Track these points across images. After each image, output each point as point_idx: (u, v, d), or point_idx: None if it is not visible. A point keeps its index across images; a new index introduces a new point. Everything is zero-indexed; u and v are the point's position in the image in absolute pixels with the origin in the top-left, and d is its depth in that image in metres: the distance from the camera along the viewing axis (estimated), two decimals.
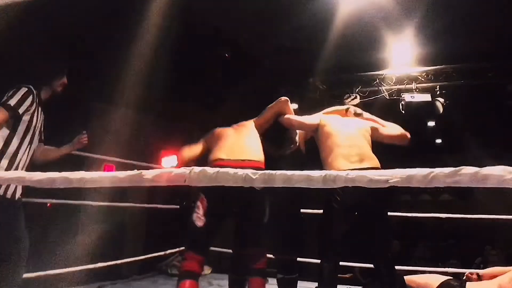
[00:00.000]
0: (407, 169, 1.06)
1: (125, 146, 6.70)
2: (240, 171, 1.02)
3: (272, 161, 2.87)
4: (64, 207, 6.12)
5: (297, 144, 3.23)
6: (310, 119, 3.11)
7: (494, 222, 6.31)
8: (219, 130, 3.01)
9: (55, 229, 5.60)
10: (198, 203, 2.69)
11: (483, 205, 4.55)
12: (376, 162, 2.88)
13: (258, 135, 2.99)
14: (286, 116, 3.08)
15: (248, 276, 2.72)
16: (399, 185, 1.05)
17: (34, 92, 2.65)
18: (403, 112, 5.71)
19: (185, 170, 1.07)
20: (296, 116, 3.13)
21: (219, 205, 2.67)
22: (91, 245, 6.73)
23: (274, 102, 3.10)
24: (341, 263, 2.97)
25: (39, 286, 3.64)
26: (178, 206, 5.45)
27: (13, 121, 2.56)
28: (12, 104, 2.53)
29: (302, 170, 1.11)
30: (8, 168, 2.51)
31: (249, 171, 1.03)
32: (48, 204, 6.47)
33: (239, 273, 3.07)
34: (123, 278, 4.75)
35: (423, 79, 5.70)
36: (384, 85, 5.82)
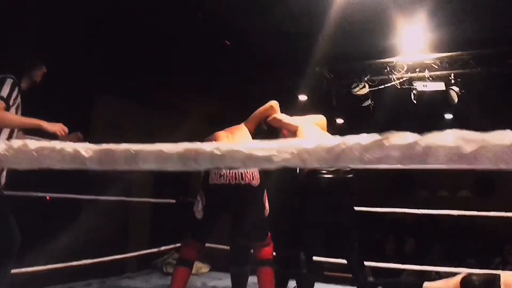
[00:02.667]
0: (302, 141, 0.74)
1: (130, 135, 6.55)
2: (69, 147, 0.74)
3: None
4: (62, 202, 6.00)
5: None
6: (293, 121, 3.29)
7: None
8: (215, 134, 3.13)
9: (52, 224, 5.48)
10: (198, 198, 2.94)
11: (504, 203, 4.22)
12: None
13: (251, 138, 3.14)
14: (275, 116, 3.24)
15: (257, 266, 2.98)
16: (290, 165, 0.74)
17: (18, 82, 2.57)
18: (415, 102, 5.36)
19: (2, 146, 0.78)
20: (283, 115, 3.29)
21: (217, 201, 2.91)
22: (86, 241, 6.61)
23: (263, 106, 3.26)
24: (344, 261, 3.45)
25: (29, 282, 3.50)
26: (174, 201, 5.23)
27: None
28: (5, 96, 2.46)
29: None
30: None
31: (81, 148, 0.74)
32: (48, 198, 6.38)
33: (239, 263, 3.27)
34: (116, 274, 4.56)
35: (436, 67, 5.32)
36: (395, 73, 5.47)
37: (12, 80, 2.53)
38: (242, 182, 2.85)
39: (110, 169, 0.78)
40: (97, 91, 6.88)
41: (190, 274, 2.99)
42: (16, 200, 2.95)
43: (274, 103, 3.23)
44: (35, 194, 3.83)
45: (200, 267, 4.80)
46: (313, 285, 3.10)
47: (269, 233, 3.03)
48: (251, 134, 3.19)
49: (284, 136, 3.29)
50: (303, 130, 3.21)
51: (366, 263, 4.67)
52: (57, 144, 0.76)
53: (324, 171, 3.08)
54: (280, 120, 3.25)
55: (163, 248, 4.85)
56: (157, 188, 7.49)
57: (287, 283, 3.34)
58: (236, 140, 3.04)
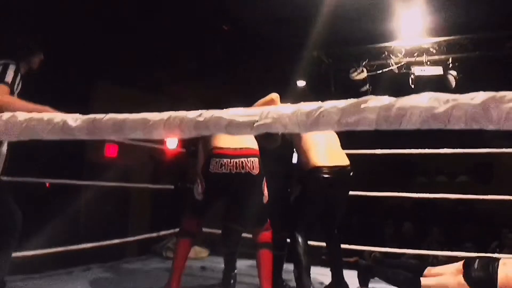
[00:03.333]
0: (282, 106, 0.76)
1: None
2: (58, 118, 0.75)
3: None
4: (63, 188, 6.03)
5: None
6: None
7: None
8: None
9: (52, 210, 5.52)
10: (198, 182, 2.99)
11: (502, 188, 4.24)
12: (346, 160, 3.30)
13: None
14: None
15: (256, 250, 3.02)
16: (268, 130, 0.75)
17: (20, 68, 2.60)
18: (413, 86, 5.36)
19: None
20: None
21: (217, 188, 2.96)
22: (86, 226, 6.66)
23: (264, 99, 3.17)
24: (347, 246, 3.95)
25: (30, 266, 3.54)
26: (173, 186, 5.26)
27: None
28: (9, 82, 2.50)
29: None
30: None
31: (69, 118, 0.76)
32: (47, 184, 6.41)
33: (231, 246, 3.52)
34: (116, 259, 4.60)
35: (434, 51, 5.31)
36: (393, 58, 5.46)
37: (15, 65, 2.55)
38: (243, 171, 2.88)
39: (98, 138, 0.79)
40: (95, 77, 6.89)
41: (192, 245, 3.09)
42: (16, 187, 2.98)
43: (275, 96, 3.17)
44: (36, 180, 3.84)
45: (199, 251, 4.85)
46: (309, 268, 3.17)
47: (268, 219, 3.08)
48: None
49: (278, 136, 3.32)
50: None
51: (365, 247, 4.84)
52: (45, 115, 0.78)
53: (325, 171, 3.15)
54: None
55: (162, 233, 4.89)
56: (156, 175, 7.54)
57: (282, 266, 3.40)
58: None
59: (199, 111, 0.78)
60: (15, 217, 2.63)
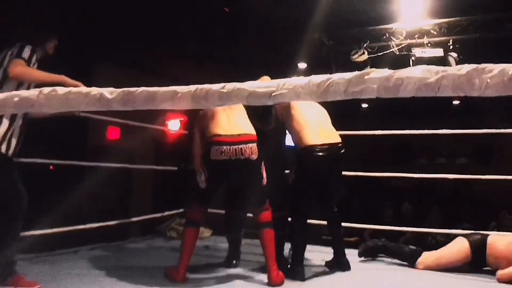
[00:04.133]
0: (295, 78, 0.84)
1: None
2: (95, 91, 0.81)
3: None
4: (66, 170, 6.10)
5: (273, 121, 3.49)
6: None
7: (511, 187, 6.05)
8: (208, 110, 3.16)
9: (55, 192, 5.58)
10: (200, 170, 3.05)
11: (501, 170, 4.30)
12: (337, 137, 3.41)
13: (246, 113, 3.23)
14: None
15: (258, 229, 3.11)
16: (285, 100, 0.82)
17: (36, 51, 2.71)
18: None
19: (32, 93, 0.85)
20: None
21: (219, 174, 3.06)
22: (90, 208, 6.74)
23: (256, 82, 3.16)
24: (348, 224, 4.09)
25: (36, 246, 3.63)
26: (176, 168, 5.33)
27: None
28: (26, 58, 2.61)
29: None
30: (10, 124, 2.64)
31: (105, 91, 0.82)
32: (51, 167, 6.48)
33: (234, 231, 3.68)
34: (120, 240, 4.69)
35: (435, 33, 5.33)
36: (394, 39, 5.48)
37: (31, 47, 2.66)
38: (242, 157, 2.97)
39: (131, 109, 0.84)
40: (96, 59, 6.91)
41: (198, 233, 3.18)
42: (20, 169, 3.04)
43: (266, 79, 3.24)
44: (40, 161, 3.90)
45: (202, 231, 4.92)
46: (305, 247, 3.30)
47: (267, 200, 3.17)
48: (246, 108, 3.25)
49: (276, 111, 3.42)
50: (295, 105, 3.37)
51: (366, 226, 4.94)
52: (83, 89, 0.84)
53: (318, 149, 3.24)
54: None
55: (166, 213, 4.97)
56: (158, 158, 7.61)
57: (284, 244, 3.48)
58: (233, 111, 3.13)
59: (223, 84, 0.85)
60: (22, 198, 2.71)
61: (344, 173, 4.28)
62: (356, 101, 9.90)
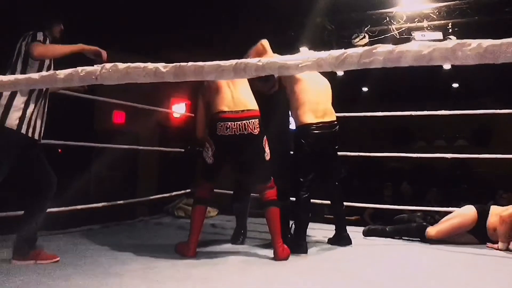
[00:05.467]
0: (318, 52, 1.01)
1: (135, 92, 6.73)
2: (150, 65, 0.96)
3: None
4: (74, 153, 6.24)
5: (276, 84, 3.64)
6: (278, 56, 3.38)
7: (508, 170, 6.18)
8: (212, 83, 3.25)
9: (63, 174, 5.71)
10: (207, 145, 3.20)
11: (500, 152, 4.42)
12: (333, 116, 3.58)
13: (248, 84, 3.33)
14: (269, 56, 3.26)
15: (264, 208, 3.22)
16: (310, 70, 1.00)
17: (47, 36, 2.81)
18: None
19: (96, 68, 1.00)
20: (276, 56, 3.30)
21: (225, 149, 3.18)
22: (97, 189, 6.90)
23: (255, 47, 3.36)
24: (350, 204, 4.25)
25: (49, 225, 3.76)
26: (183, 150, 5.48)
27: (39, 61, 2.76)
28: (41, 40, 2.73)
29: None
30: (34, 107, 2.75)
31: (159, 65, 0.97)
32: (59, 150, 6.63)
33: (242, 200, 3.84)
34: (130, 219, 4.85)
35: (435, 16, 5.44)
36: (394, 23, 5.59)
37: (42, 32, 2.77)
38: (245, 132, 3.12)
39: (181, 80, 0.99)
40: (102, 45, 6.99)
41: (206, 210, 3.35)
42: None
43: (264, 42, 3.36)
44: (54, 142, 4.01)
45: (209, 211, 5.09)
46: (307, 222, 3.48)
47: (272, 177, 3.29)
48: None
49: (274, 79, 3.54)
50: (301, 79, 3.49)
51: (366, 205, 5.10)
52: (140, 64, 0.99)
53: (313, 127, 3.42)
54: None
55: (174, 193, 5.12)
56: (163, 141, 7.75)
57: (289, 223, 3.60)
58: (236, 87, 3.24)
59: (258, 58, 1.02)
60: (51, 179, 2.87)
61: (345, 153, 4.45)
62: (357, 85, 9.95)
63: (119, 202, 4.45)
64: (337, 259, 3.25)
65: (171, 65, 1.02)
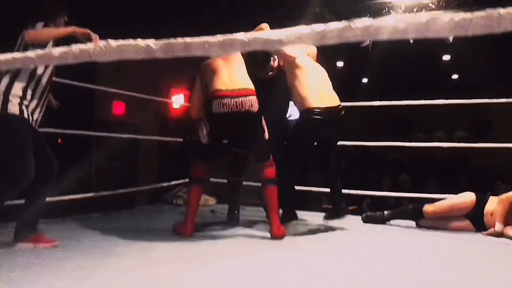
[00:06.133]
0: (300, 27, 1.06)
1: (135, 83, 6.78)
2: (142, 42, 1.00)
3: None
4: (74, 144, 6.29)
5: (275, 70, 3.68)
6: (291, 52, 3.52)
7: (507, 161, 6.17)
8: (210, 62, 3.29)
9: (63, 165, 5.74)
10: (202, 125, 3.20)
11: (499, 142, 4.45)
12: (337, 101, 3.58)
13: (244, 65, 3.34)
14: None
15: (262, 186, 3.25)
16: (292, 44, 1.05)
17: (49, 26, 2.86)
18: (411, 41, 5.50)
19: (89, 45, 1.04)
20: None
21: (221, 127, 3.17)
22: (97, 179, 6.95)
23: (255, 30, 3.33)
24: (347, 191, 4.33)
25: (49, 213, 3.79)
26: (181, 139, 5.52)
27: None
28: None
29: None
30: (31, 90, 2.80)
31: (150, 42, 1.01)
32: (59, 140, 6.67)
33: (237, 174, 3.91)
34: (130, 207, 4.90)
35: (434, 6, 5.44)
36: (393, 13, 5.58)
37: (43, 23, 2.81)
38: (243, 110, 3.10)
39: (171, 56, 1.03)
40: (101, 33, 7.02)
41: (203, 190, 3.36)
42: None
43: (264, 26, 3.37)
44: (55, 130, 4.06)
45: (207, 199, 5.15)
46: (294, 200, 3.65)
47: (271, 156, 3.32)
48: (244, 61, 3.37)
49: (271, 65, 3.61)
50: (300, 64, 3.57)
51: (364, 192, 5.14)
52: (132, 41, 1.03)
53: (318, 111, 3.42)
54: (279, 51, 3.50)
55: (173, 182, 5.17)
56: (163, 131, 7.80)
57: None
58: (233, 67, 3.26)
59: (244, 34, 1.07)
60: (53, 164, 2.91)
61: (344, 143, 4.48)
62: (356, 76, 9.95)
63: (117, 191, 4.49)
64: (333, 239, 3.33)
65: (161, 41, 1.05)
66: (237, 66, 3.29)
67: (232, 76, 3.21)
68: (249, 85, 3.24)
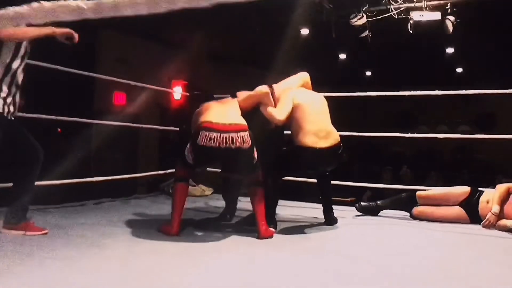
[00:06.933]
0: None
1: (135, 72, 6.78)
2: (73, 3, 0.96)
3: None
4: (75, 132, 6.31)
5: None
6: (286, 109, 3.36)
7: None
8: (205, 104, 3.25)
9: (62, 154, 5.78)
10: (189, 148, 3.04)
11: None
12: (337, 138, 3.44)
13: (239, 111, 3.22)
14: (268, 110, 3.32)
15: (249, 187, 3.19)
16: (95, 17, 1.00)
17: None
18: (411, 31, 5.45)
19: (24, 7, 1.01)
20: (274, 110, 3.34)
21: (207, 159, 3.19)
22: (97, 169, 6.96)
23: (255, 92, 3.35)
24: (351, 184, 4.59)
25: (44, 199, 3.81)
26: (178, 129, 5.51)
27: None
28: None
29: None
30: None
31: (80, 2, 0.97)
32: (59, 130, 6.70)
33: (227, 190, 3.79)
34: (124, 196, 4.88)
35: None
36: (393, 3, 5.52)
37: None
38: (233, 146, 2.93)
39: (100, 17, 0.99)
40: (99, 27, 7.02)
41: (188, 187, 3.24)
42: (31, 127, 3.21)
43: (266, 90, 3.33)
44: (52, 117, 4.07)
45: (204, 189, 5.14)
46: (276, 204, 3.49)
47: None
48: (242, 112, 3.24)
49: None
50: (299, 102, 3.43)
51: (364, 184, 5.11)
52: (64, 2, 1.00)
53: (315, 150, 3.32)
54: (270, 113, 3.35)
55: (169, 171, 5.14)
56: (163, 121, 7.79)
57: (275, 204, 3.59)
58: (224, 107, 3.19)
59: None
60: (38, 151, 2.91)
61: (346, 134, 4.38)
62: (359, 69, 9.90)
63: (114, 177, 4.49)
64: (321, 236, 3.30)
65: (90, 2, 1.01)
66: (231, 106, 3.24)
67: (224, 111, 3.11)
68: (241, 121, 3.09)
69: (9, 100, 2.81)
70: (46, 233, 2.86)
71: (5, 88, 2.79)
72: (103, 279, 2.05)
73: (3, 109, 2.78)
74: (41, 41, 2.88)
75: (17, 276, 2.02)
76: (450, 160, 9.22)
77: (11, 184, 2.98)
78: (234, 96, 3.47)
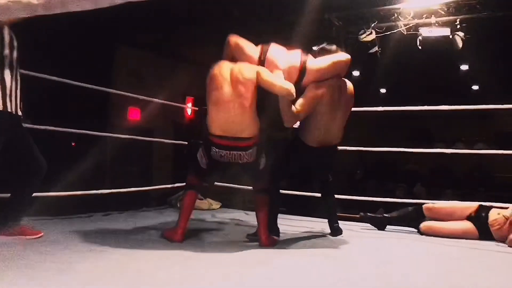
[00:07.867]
0: None
1: (149, 87, 6.91)
2: (24, 1, 1.01)
3: None
4: (88, 148, 6.41)
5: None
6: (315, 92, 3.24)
7: None
8: (216, 73, 3.09)
9: (75, 169, 5.86)
10: (202, 154, 3.11)
11: None
12: (338, 139, 3.43)
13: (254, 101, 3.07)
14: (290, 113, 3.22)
15: (253, 194, 3.25)
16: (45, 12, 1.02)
17: None
18: (420, 47, 5.45)
19: None
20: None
21: (218, 166, 3.17)
22: (113, 182, 7.04)
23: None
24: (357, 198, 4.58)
25: (53, 209, 3.86)
26: (186, 142, 5.56)
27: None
28: None
29: None
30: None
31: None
32: (73, 143, 6.83)
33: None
34: (133, 209, 4.92)
35: (443, 12, 5.36)
36: (402, 19, 5.54)
37: None
38: (241, 162, 3.08)
39: (51, 12, 1.04)
40: (117, 42, 7.19)
41: (197, 196, 3.30)
42: (46, 140, 3.28)
43: (234, 38, 3.36)
44: (66, 130, 4.14)
45: (211, 203, 5.15)
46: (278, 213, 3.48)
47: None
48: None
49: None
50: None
51: (372, 198, 5.01)
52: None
53: (313, 148, 3.34)
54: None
55: (177, 185, 5.18)
56: (177, 136, 7.87)
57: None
58: (235, 110, 3.07)
59: None
60: (40, 162, 2.93)
61: (363, 148, 4.42)
62: (375, 86, 9.87)
63: (121, 190, 4.53)
64: (325, 245, 3.29)
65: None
66: (242, 105, 3.04)
67: (234, 120, 3.00)
68: (250, 132, 3.04)
69: (13, 93, 2.78)
70: (41, 236, 2.90)
71: (8, 81, 2.75)
72: (101, 282, 2.08)
73: (11, 106, 2.77)
74: (60, 57, 2.91)
75: (15, 280, 2.04)
76: (466, 178, 9.04)
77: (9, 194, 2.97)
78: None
